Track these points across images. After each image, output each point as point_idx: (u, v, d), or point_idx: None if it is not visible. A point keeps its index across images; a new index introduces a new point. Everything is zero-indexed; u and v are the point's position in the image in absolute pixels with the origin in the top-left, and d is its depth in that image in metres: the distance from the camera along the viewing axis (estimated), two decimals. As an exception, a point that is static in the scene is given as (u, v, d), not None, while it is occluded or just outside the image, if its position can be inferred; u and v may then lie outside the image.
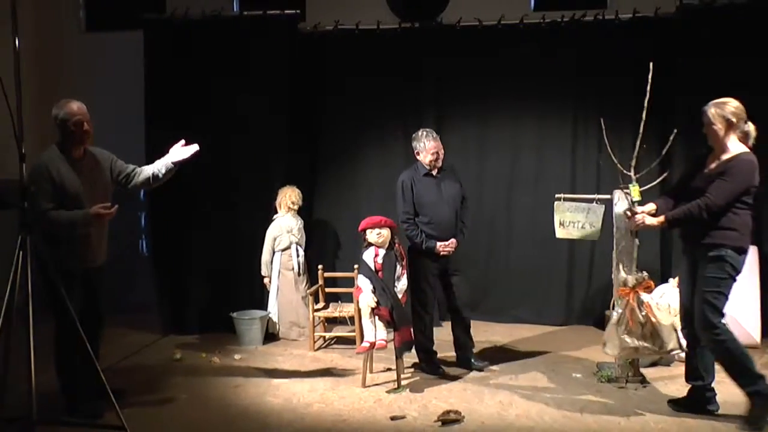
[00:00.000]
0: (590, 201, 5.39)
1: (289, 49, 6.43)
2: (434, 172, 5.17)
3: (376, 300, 4.85)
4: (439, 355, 5.29)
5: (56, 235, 4.06)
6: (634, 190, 4.58)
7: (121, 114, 6.65)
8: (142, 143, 6.42)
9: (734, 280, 4.06)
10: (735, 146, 4.06)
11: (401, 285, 4.98)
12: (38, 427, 3.68)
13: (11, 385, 3.80)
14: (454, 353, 5.33)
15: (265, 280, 6.26)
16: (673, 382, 4.80)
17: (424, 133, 5.17)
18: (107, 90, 6.81)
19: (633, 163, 4.71)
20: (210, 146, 6.33)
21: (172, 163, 4.49)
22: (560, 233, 5.29)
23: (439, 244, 5.04)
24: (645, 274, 4.52)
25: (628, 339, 4.33)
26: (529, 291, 6.63)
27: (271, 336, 6.15)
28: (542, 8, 6.69)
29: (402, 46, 6.54)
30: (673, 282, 5.64)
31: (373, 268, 4.95)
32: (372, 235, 4.99)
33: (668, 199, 4.39)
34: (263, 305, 6.28)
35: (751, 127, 4.10)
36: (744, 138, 4.10)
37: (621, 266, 4.56)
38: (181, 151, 4.49)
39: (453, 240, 5.09)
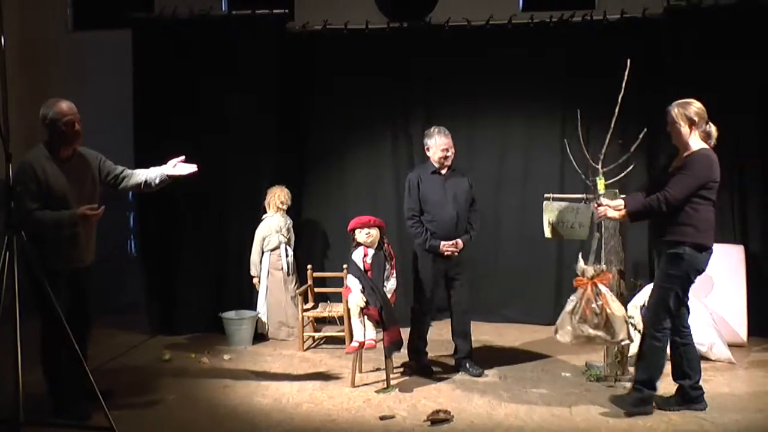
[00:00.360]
0: (579, 201, 5.41)
1: (278, 49, 6.42)
2: (443, 171, 5.12)
3: (365, 300, 4.84)
4: (429, 356, 5.29)
5: (43, 235, 4.03)
6: (600, 183, 4.65)
7: (109, 114, 6.62)
8: (131, 143, 6.40)
9: (691, 280, 4.14)
10: (696, 144, 4.13)
11: (390, 285, 4.98)
12: (25, 428, 3.66)
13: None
14: (443, 353, 5.33)
15: (254, 280, 6.25)
16: (661, 380, 4.82)
17: (437, 129, 5.11)
18: (95, 89, 6.78)
19: (602, 156, 4.77)
20: (198, 146, 6.37)
21: (168, 175, 4.44)
22: (549, 233, 5.30)
23: (443, 243, 5.01)
24: (603, 266, 4.62)
25: (582, 327, 4.41)
26: (518, 290, 6.66)
27: (260, 336, 6.14)
28: (531, 8, 6.71)
29: (391, 46, 6.54)
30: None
31: (362, 268, 4.95)
32: (361, 235, 4.99)
33: (637, 196, 4.45)
34: (252, 305, 6.27)
35: (712, 128, 4.18)
36: (706, 138, 4.16)
37: (580, 256, 4.64)
38: (179, 167, 4.45)
39: (458, 240, 5.05)
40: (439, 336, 5.35)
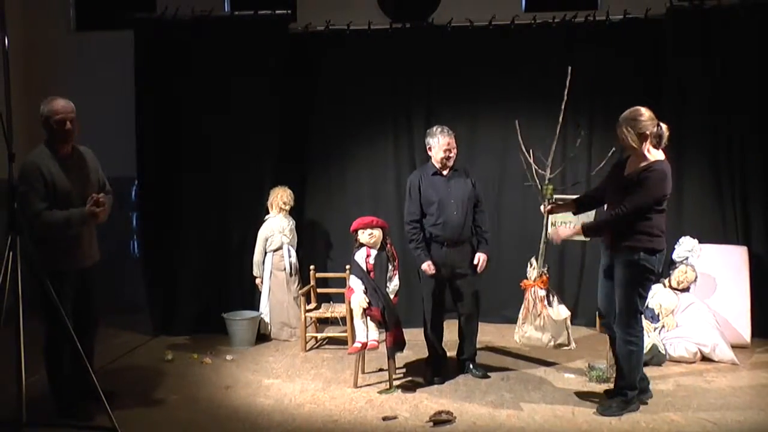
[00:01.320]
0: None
1: (280, 50, 6.42)
2: (444, 172, 5.02)
3: (367, 300, 4.84)
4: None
5: (48, 235, 4.04)
6: (548, 189, 4.75)
7: (112, 114, 6.63)
8: (133, 143, 6.40)
9: (651, 281, 4.25)
10: (650, 155, 4.17)
11: (393, 285, 4.97)
12: (28, 429, 3.67)
13: (1, 387, 3.78)
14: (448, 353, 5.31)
15: (257, 281, 6.25)
16: (664, 382, 4.83)
17: (438, 128, 5.01)
18: (97, 89, 6.78)
19: (549, 163, 4.87)
20: (200, 146, 6.39)
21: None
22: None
23: (425, 264, 4.91)
24: (544, 269, 4.73)
25: (524, 329, 4.57)
26: (519, 291, 6.60)
27: (262, 337, 6.13)
28: (533, 9, 6.70)
29: (393, 46, 6.53)
30: (665, 282, 5.70)
31: (364, 269, 4.95)
32: (364, 236, 4.99)
33: (585, 198, 4.70)
34: (255, 306, 6.27)
35: (663, 129, 4.19)
36: (658, 143, 4.19)
37: (533, 261, 4.71)
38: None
39: (480, 256, 4.99)
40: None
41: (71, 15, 7.48)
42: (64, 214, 4.04)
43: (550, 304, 4.64)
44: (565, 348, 4.67)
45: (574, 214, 4.80)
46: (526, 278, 4.79)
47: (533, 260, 4.78)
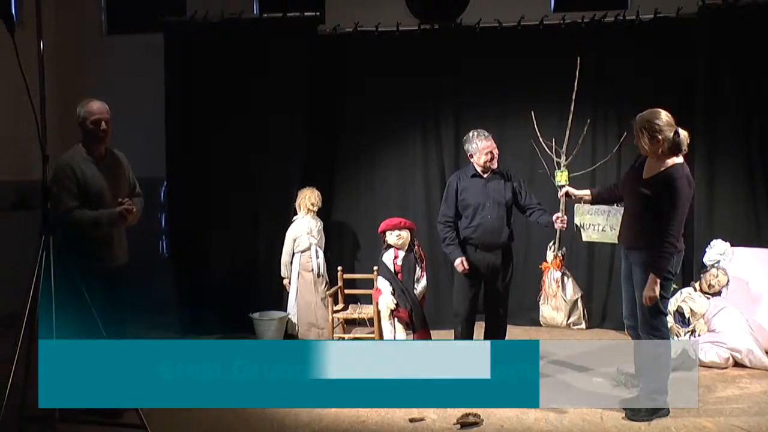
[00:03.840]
0: (610, 204, 5.35)
1: (309, 51, 6.45)
2: (485, 174, 4.92)
3: (395, 302, 4.85)
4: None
5: (78, 234, 4.10)
6: (562, 176, 4.84)
7: (142, 116, 6.71)
8: (162, 145, 6.47)
9: (669, 281, 4.19)
10: (669, 157, 4.08)
11: (420, 287, 4.97)
12: (60, 425, 3.72)
13: (34, 384, 3.84)
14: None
15: (285, 282, 6.28)
16: (695, 388, 4.75)
17: (475, 133, 4.92)
18: (128, 92, 6.86)
19: (564, 150, 4.95)
20: (229, 148, 6.44)
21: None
22: (585, 236, 5.24)
23: (457, 261, 4.82)
24: (560, 252, 4.85)
25: (543, 310, 4.69)
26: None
27: (290, 337, 6.16)
28: (562, 9, 6.66)
29: (421, 47, 6.53)
30: (695, 286, 5.62)
31: (392, 270, 4.96)
32: (392, 237, 5.00)
33: (603, 189, 4.75)
34: (282, 306, 6.30)
35: (682, 135, 4.06)
36: (676, 148, 4.06)
37: (551, 245, 4.75)
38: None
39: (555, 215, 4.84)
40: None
41: (102, 18, 7.60)
42: (93, 214, 4.11)
43: (564, 285, 4.69)
44: (578, 327, 4.70)
45: (591, 204, 4.76)
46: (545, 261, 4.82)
47: (551, 244, 4.80)
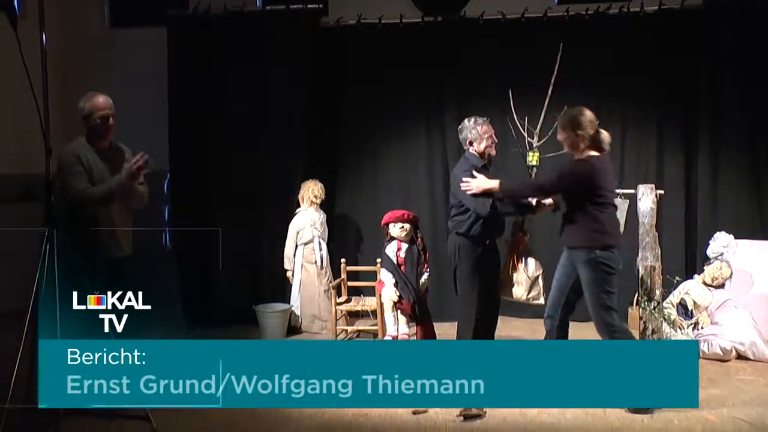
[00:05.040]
0: (614, 196, 5.34)
1: (311, 44, 6.44)
2: (489, 167, 4.62)
3: (398, 294, 4.85)
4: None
5: (87, 222, 4.10)
6: (534, 156, 4.86)
7: (145, 109, 6.71)
8: (165, 138, 6.48)
9: (612, 275, 4.21)
10: (584, 152, 4.21)
11: (423, 279, 4.97)
12: (64, 416, 3.74)
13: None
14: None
15: (288, 274, 6.29)
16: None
17: (473, 120, 4.63)
18: (131, 85, 6.86)
19: (537, 131, 4.98)
20: (232, 141, 6.44)
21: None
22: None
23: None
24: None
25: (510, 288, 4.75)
26: (550, 286, 6.55)
27: (293, 329, 6.18)
28: (566, 1, 6.62)
29: (424, 39, 6.51)
30: (698, 278, 5.62)
31: (395, 262, 4.96)
32: (395, 229, 5.00)
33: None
34: (286, 299, 6.31)
35: (604, 134, 4.23)
36: (595, 145, 4.20)
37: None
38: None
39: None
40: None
41: (106, 12, 7.59)
42: (102, 187, 4.10)
43: (527, 263, 4.73)
44: (537, 302, 4.76)
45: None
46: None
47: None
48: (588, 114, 4.21)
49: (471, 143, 4.61)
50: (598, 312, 4.22)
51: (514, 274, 4.69)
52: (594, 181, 4.15)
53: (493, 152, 4.67)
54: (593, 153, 4.21)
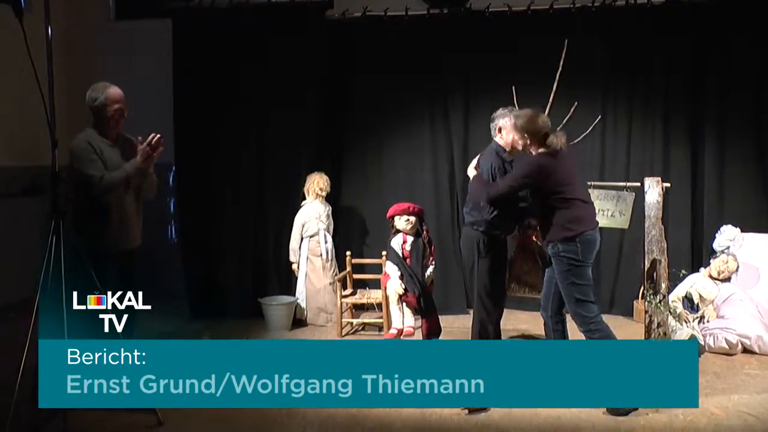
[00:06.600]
0: (620, 189, 5.33)
1: (317, 37, 6.43)
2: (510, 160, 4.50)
3: (403, 287, 4.86)
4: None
5: (93, 216, 4.10)
6: None
7: (150, 101, 6.69)
8: (171, 130, 6.47)
9: (579, 266, 4.18)
10: (534, 151, 4.26)
11: (429, 272, 4.98)
12: (70, 412, 3.75)
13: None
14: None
15: (293, 266, 6.29)
16: (703, 374, 4.74)
17: (508, 108, 4.58)
18: (136, 78, 6.85)
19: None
20: (237, 134, 6.44)
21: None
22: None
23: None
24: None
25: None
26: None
27: (298, 322, 6.18)
28: (572, -7, 6.59)
29: (430, 32, 6.49)
30: (704, 272, 5.61)
31: (401, 255, 4.96)
32: (400, 222, 5.01)
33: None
34: (291, 291, 6.32)
35: (559, 135, 4.23)
36: (548, 146, 4.21)
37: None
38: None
39: None
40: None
41: (110, 4, 7.58)
42: (117, 173, 4.09)
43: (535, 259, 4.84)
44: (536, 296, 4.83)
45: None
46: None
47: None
48: (535, 118, 4.22)
49: (500, 130, 4.52)
50: (570, 304, 4.25)
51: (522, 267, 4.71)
52: (543, 177, 4.17)
53: (520, 147, 4.39)
54: (542, 151, 4.22)
